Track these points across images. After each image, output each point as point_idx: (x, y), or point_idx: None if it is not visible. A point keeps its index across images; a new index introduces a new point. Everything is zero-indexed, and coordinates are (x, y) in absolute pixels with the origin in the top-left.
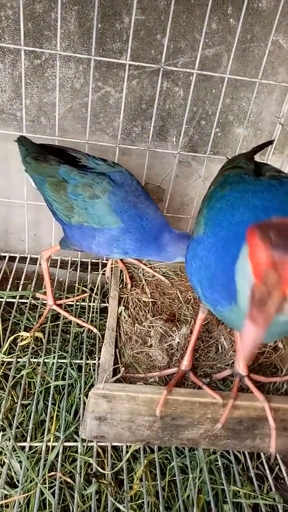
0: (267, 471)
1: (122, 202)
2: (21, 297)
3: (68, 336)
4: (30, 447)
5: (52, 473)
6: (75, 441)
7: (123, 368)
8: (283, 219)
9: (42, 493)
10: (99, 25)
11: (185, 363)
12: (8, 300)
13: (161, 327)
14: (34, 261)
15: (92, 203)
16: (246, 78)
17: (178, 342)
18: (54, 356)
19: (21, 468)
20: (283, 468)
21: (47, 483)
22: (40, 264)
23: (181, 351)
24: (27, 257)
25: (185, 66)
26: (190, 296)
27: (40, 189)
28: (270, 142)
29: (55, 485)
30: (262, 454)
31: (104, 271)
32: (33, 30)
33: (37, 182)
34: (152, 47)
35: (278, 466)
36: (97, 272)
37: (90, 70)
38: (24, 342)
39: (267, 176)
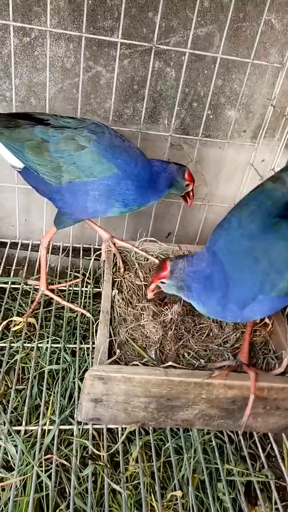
0: (260, 450)
1: (110, 148)
2: (13, 283)
3: (61, 321)
4: (26, 431)
5: (48, 456)
6: (71, 424)
7: (118, 350)
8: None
9: (38, 476)
10: (90, 1)
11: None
12: (0, 286)
13: (153, 308)
14: (25, 246)
15: (79, 155)
16: (238, 58)
17: (171, 319)
18: (47, 341)
19: (16, 452)
20: (275, 446)
21: (43, 466)
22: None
23: (175, 327)
24: (18, 243)
25: (177, 45)
26: None
27: (20, 157)
28: None
29: (51, 468)
30: (254, 433)
31: (97, 255)
32: (22, 5)
33: (14, 151)
34: (144, 25)
35: (270, 445)
36: (89, 258)
37: (81, 48)
38: (17, 327)
39: None
